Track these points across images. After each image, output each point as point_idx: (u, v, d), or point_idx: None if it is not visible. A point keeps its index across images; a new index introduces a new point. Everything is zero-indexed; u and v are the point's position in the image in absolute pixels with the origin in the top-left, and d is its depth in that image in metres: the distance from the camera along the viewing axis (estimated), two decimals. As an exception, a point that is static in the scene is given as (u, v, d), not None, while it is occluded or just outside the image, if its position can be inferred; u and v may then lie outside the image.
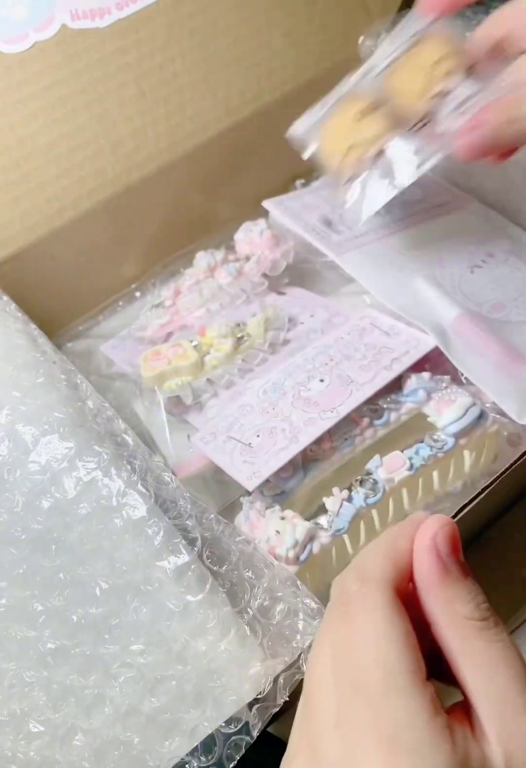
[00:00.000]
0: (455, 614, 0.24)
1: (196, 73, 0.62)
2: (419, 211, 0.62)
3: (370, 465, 0.47)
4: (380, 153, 0.50)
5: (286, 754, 0.26)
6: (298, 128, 0.56)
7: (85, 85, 0.58)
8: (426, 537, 0.25)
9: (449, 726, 0.23)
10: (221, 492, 0.51)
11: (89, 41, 0.58)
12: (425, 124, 0.49)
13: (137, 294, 0.66)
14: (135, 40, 0.60)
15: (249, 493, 0.47)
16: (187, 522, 0.41)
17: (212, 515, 0.42)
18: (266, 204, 0.64)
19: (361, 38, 0.67)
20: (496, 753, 0.23)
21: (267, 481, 0.46)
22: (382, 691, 0.23)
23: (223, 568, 0.40)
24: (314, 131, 0.55)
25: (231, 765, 0.36)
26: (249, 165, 0.67)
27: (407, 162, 0.49)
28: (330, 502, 0.45)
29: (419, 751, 0.22)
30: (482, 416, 0.48)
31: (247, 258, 0.62)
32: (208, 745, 0.37)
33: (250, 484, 0.46)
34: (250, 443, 0.48)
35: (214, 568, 0.40)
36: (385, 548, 0.26)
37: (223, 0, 0.62)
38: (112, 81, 0.59)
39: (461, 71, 0.47)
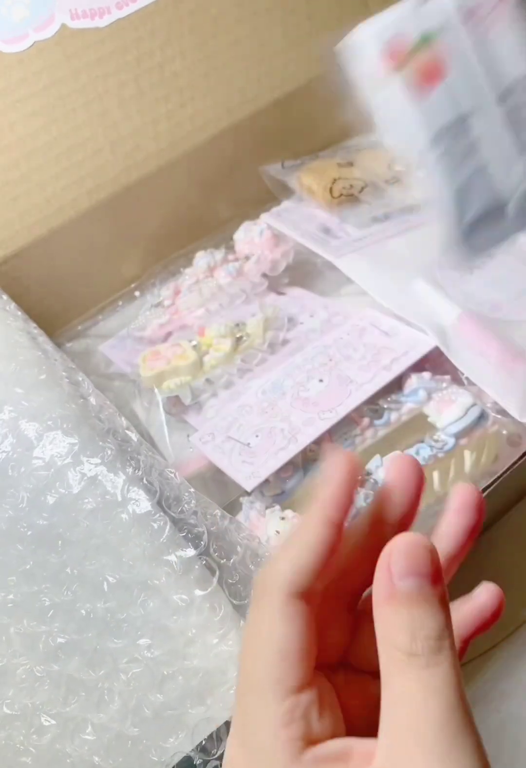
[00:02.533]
0: (388, 639, 0.22)
1: (196, 73, 0.62)
2: (418, 214, 0.62)
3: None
4: (363, 188, 0.62)
5: None
6: (271, 169, 0.67)
7: (85, 85, 0.58)
8: (385, 552, 0.23)
9: (304, 742, 0.23)
10: (220, 492, 0.50)
11: (89, 41, 0.58)
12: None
13: (137, 294, 0.66)
14: (135, 39, 0.59)
15: (248, 493, 0.47)
16: (193, 517, 0.41)
17: (217, 510, 0.42)
18: (265, 217, 0.64)
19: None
20: None
21: (266, 481, 0.46)
22: (242, 693, 0.24)
23: (231, 561, 0.40)
24: (292, 171, 0.65)
25: None
26: (249, 165, 0.67)
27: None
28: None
29: (260, 757, 0.23)
30: (482, 416, 0.48)
31: (247, 258, 0.62)
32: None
33: (249, 484, 0.46)
34: (249, 443, 0.48)
35: (222, 561, 0.40)
36: (283, 549, 0.25)
37: (223, -1, 0.62)
38: (112, 80, 0.59)
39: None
